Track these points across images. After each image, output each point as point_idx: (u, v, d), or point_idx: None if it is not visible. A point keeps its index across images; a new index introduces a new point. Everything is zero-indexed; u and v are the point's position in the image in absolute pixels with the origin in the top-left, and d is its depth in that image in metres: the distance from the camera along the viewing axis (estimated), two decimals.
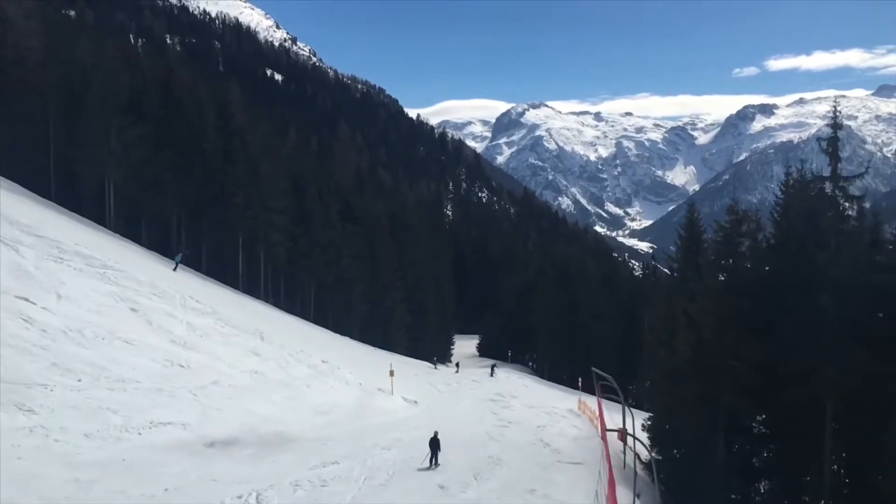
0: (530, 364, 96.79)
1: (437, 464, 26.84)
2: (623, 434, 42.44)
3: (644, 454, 36.61)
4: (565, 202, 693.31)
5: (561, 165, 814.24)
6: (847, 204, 26.22)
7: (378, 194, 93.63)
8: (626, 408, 35.75)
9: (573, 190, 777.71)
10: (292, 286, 66.94)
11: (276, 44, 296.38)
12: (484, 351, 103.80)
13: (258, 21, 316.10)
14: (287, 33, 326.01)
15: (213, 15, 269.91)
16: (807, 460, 27.23)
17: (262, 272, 63.01)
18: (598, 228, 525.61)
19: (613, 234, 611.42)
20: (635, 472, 27.48)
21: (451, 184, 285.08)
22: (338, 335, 60.04)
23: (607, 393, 41.34)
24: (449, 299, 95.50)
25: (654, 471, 27.77)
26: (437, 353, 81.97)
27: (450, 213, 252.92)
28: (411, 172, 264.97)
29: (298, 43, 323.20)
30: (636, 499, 25.96)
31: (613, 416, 41.06)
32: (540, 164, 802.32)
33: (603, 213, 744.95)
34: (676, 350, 29.71)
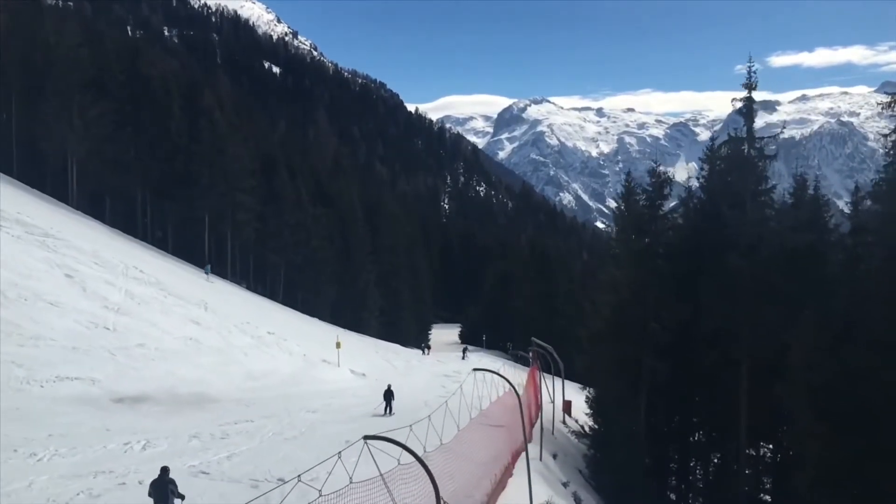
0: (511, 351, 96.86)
1: (391, 412, 28.81)
2: (568, 406, 42.64)
3: (585, 424, 36.68)
4: (567, 198, 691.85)
5: (562, 161, 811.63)
6: (762, 164, 26.11)
7: (355, 179, 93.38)
8: (563, 380, 35.82)
9: (574, 186, 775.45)
10: (262, 266, 66.97)
11: (277, 37, 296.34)
12: (465, 339, 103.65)
13: (259, 15, 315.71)
14: (288, 27, 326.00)
15: (213, 8, 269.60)
16: (726, 420, 27.16)
17: (230, 252, 63.05)
18: (599, 224, 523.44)
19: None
20: (542, 429, 27.41)
21: (448, 178, 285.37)
22: (301, 314, 59.91)
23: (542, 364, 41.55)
24: (426, 286, 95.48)
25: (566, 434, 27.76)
26: (413, 338, 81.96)
27: (447, 207, 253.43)
28: (409, 166, 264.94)
29: (299, 37, 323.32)
30: (545, 454, 25.94)
31: (562, 388, 41.24)
32: (541, 159, 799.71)
33: (604, 209, 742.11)
34: (600, 314, 29.67)
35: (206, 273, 53.41)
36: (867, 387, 20.16)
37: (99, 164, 55.37)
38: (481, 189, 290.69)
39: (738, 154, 26.83)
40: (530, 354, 54.59)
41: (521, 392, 33.51)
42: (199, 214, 59.89)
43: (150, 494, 13.39)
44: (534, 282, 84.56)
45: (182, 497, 13.66)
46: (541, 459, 25.07)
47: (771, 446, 27.44)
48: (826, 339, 21.21)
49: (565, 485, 24.23)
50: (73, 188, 54.89)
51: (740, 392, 26.02)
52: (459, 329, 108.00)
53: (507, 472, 21.39)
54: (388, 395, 29.27)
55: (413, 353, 64.19)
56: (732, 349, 25.96)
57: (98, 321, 30.04)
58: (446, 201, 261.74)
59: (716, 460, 29.43)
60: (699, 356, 26.89)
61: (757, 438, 27.13)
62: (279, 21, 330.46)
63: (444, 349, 78.97)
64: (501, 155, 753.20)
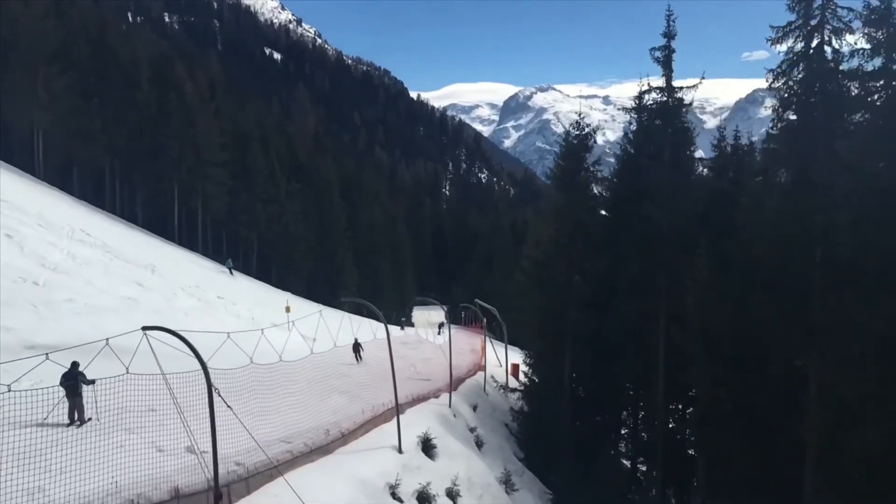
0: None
1: (361, 360, 30.53)
2: (515, 369, 42.71)
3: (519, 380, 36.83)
4: None
5: None
6: (682, 112, 25.93)
7: (335, 157, 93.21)
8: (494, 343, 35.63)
9: None
10: (234, 241, 67.05)
11: (280, 24, 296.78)
12: (452, 319, 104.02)
13: (263, 2, 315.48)
14: (292, 14, 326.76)
15: None
16: (648, 371, 27.01)
17: (201, 225, 63.14)
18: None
19: None
20: (449, 382, 27.38)
21: (450, 164, 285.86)
22: (266, 284, 59.76)
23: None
24: (409, 265, 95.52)
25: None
26: (394, 316, 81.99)
27: (448, 193, 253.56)
28: (409, 152, 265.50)
29: (304, 24, 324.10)
30: (461, 403, 25.94)
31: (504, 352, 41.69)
32: (547, 147, 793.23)
33: None
34: (526, 268, 29.60)
35: (229, 269, 52.86)
36: (760, 328, 20.06)
37: (66, 136, 55.45)
38: (483, 176, 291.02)
39: (659, 104, 26.63)
40: (463, 314, 55.03)
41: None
42: (169, 187, 60.02)
43: (61, 384, 14.52)
44: (514, 260, 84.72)
45: (92, 382, 14.69)
46: (450, 406, 25.09)
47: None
48: (722, 280, 21.09)
49: (472, 430, 24.32)
50: (39, 159, 55.02)
51: (658, 342, 25.93)
52: (445, 310, 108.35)
53: (399, 410, 21.67)
54: (357, 347, 30.81)
55: (380, 326, 64.21)
56: (650, 300, 25.85)
57: (28, 277, 30.03)
58: (447, 188, 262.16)
59: (642, 412, 29.38)
60: (621, 308, 26.76)
61: (677, 390, 26.99)
62: (283, 8, 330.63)
63: (428, 328, 79.15)
64: (507, 143, 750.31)
